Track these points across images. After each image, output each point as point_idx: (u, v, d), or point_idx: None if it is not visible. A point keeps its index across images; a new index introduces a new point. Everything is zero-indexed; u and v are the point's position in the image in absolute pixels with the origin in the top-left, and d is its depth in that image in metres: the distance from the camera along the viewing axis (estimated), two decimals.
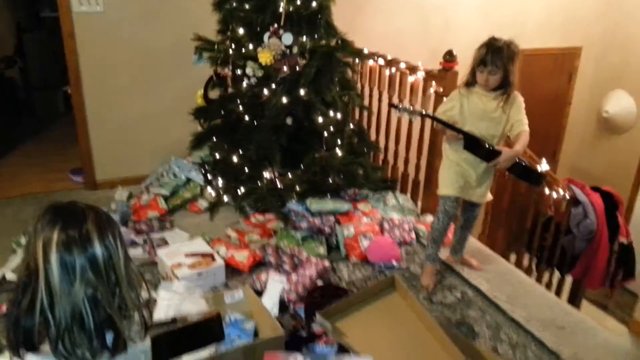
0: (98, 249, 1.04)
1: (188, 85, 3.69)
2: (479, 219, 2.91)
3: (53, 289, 1.00)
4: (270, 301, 2.46)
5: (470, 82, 2.50)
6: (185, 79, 3.74)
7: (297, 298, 2.49)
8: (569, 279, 4.07)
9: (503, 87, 2.43)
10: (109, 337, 1.07)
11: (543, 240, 3.85)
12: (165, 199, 3.41)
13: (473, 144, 2.48)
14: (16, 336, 1.02)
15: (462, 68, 3.26)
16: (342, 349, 2.08)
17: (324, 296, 2.44)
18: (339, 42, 3.32)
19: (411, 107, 2.73)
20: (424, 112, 2.69)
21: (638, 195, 5.03)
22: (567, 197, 3.76)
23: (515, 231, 3.82)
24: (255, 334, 2.19)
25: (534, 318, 2.50)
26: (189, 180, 3.60)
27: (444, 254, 2.94)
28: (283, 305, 2.48)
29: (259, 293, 2.50)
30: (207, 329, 1.63)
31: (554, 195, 3.69)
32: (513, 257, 3.81)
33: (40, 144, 4.80)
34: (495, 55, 2.33)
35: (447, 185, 2.64)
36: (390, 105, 2.72)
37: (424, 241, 3.15)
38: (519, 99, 2.48)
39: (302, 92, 3.11)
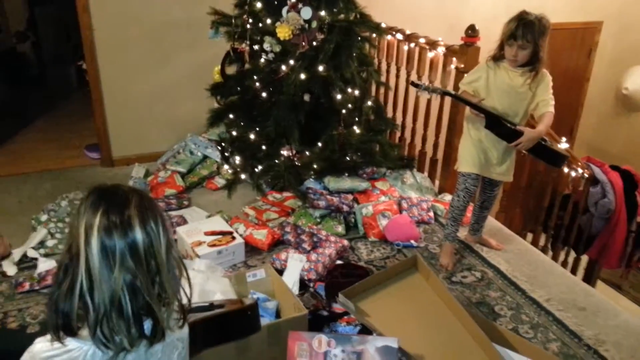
0: (139, 235, 1.02)
1: (204, 61, 3.64)
2: (497, 198, 2.89)
3: (93, 273, 0.99)
4: (291, 280, 2.47)
5: (498, 57, 2.44)
6: (201, 54, 3.69)
7: (317, 277, 2.50)
8: (584, 259, 4.06)
9: (531, 64, 2.37)
10: (147, 325, 1.06)
11: (560, 219, 3.82)
12: (182, 176, 3.40)
13: (495, 123, 2.44)
14: (56, 319, 1.02)
15: (482, 43, 3.21)
16: (365, 329, 2.09)
17: (344, 275, 2.45)
18: (358, 16, 3.25)
19: (432, 85, 2.68)
20: (445, 91, 2.64)
21: None
22: (586, 175, 3.72)
23: (533, 210, 3.79)
24: (277, 313, 2.20)
25: (554, 299, 2.49)
26: (205, 157, 3.58)
27: (463, 233, 2.93)
28: (303, 284, 2.48)
29: (279, 272, 2.50)
30: (244, 319, 1.61)
31: (573, 173, 3.65)
32: (529, 236, 3.79)
33: (54, 119, 4.79)
34: (527, 29, 2.26)
35: (467, 163, 2.60)
36: (411, 83, 2.66)
37: (443, 220, 3.13)
38: (548, 78, 2.42)
39: (320, 68, 3.06)
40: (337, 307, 2.29)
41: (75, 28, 3.66)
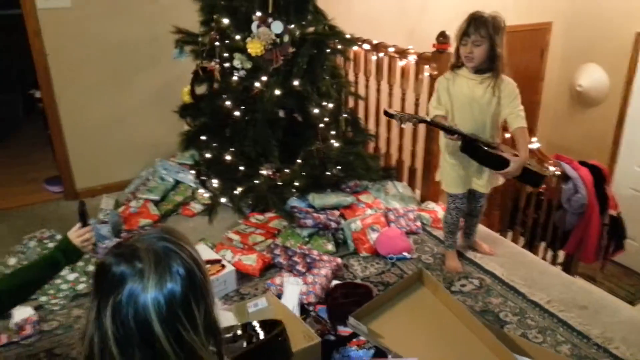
0: (157, 324, 0.85)
1: (168, 82, 3.49)
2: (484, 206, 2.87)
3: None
4: (290, 305, 2.35)
5: (455, 64, 2.40)
6: (165, 75, 3.53)
7: (317, 299, 2.39)
8: (561, 254, 4.13)
9: (490, 69, 2.31)
10: None
11: (535, 218, 3.87)
12: (156, 204, 3.22)
13: (470, 147, 2.39)
14: None
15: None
16: (379, 351, 2.00)
17: (345, 295, 2.36)
18: (327, 27, 3.20)
19: (406, 114, 2.52)
20: (419, 118, 2.50)
21: (615, 166, 5.17)
22: (558, 173, 3.79)
23: (511, 210, 3.82)
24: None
25: (554, 299, 2.49)
26: (177, 182, 3.41)
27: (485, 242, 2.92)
28: (303, 308, 2.37)
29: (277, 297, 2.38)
30: (277, 345, 1.49)
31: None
32: (509, 236, 3.82)
33: (3, 153, 4.46)
34: (479, 23, 2.23)
35: (451, 184, 2.61)
36: (385, 113, 2.57)
37: (429, 229, 3.10)
38: (512, 85, 2.36)
39: (296, 82, 2.97)
40: (343, 330, 2.19)
41: (21, 54, 3.42)
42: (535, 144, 3.66)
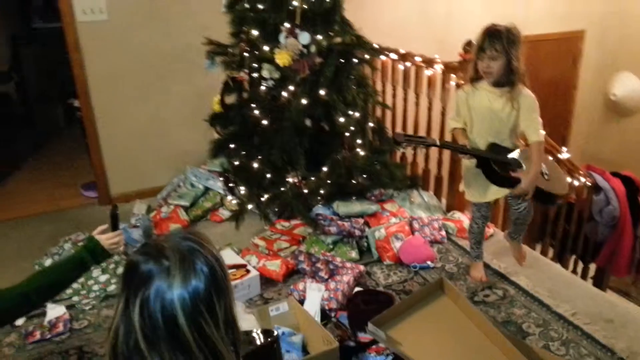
0: (182, 317, 0.90)
1: (200, 92, 3.59)
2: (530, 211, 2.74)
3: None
4: (312, 310, 2.39)
5: (474, 77, 2.40)
6: (198, 85, 3.64)
7: (338, 306, 2.43)
8: (592, 267, 4.05)
9: (508, 83, 2.30)
10: None
11: (566, 229, 3.81)
12: (186, 210, 3.32)
13: (485, 165, 2.40)
14: None
15: None
16: (397, 358, 2.02)
17: (367, 302, 2.38)
18: (354, 38, 3.24)
19: (415, 138, 2.54)
20: (427, 142, 2.47)
21: None
22: (588, 184, 3.72)
23: (539, 221, 3.77)
24: (304, 346, 2.12)
25: (579, 312, 2.45)
26: (207, 189, 3.50)
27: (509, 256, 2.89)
28: (324, 314, 2.41)
29: (299, 303, 2.42)
30: (270, 353, 1.55)
31: (575, 182, 3.65)
32: (538, 247, 3.77)
33: (44, 160, 4.66)
34: (494, 38, 2.23)
35: (474, 194, 2.59)
36: (393, 141, 2.57)
37: (455, 239, 3.09)
38: (530, 99, 2.34)
39: (322, 92, 3.03)
40: (363, 337, 2.22)
41: (61, 65, 3.58)
42: (565, 154, 3.61)
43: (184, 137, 3.74)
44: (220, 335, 0.94)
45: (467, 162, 2.54)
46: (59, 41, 3.41)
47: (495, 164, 2.37)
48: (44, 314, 2.41)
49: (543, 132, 2.40)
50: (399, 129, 3.80)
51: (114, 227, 1.78)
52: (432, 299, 2.19)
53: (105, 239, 1.71)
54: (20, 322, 2.38)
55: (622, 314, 2.44)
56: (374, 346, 2.16)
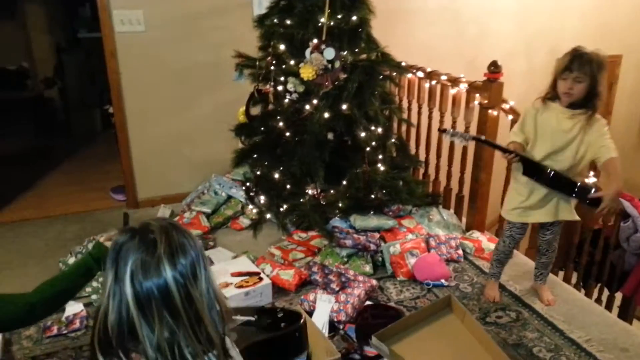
0: (170, 278, 1.00)
1: (228, 102, 3.69)
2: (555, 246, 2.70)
3: (135, 330, 0.99)
4: (320, 321, 2.41)
5: (550, 96, 2.33)
6: (225, 96, 3.75)
7: (347, 318, 2.44)
8: (618, 296, 3.92)
9: (585, 105, 2.24)
10: None
11: (591, 256, 3.72)
12: (207, 216, 3.40)
13: (533, 170, 2.34)
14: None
15: (503, 79, 3.21)
16: None
17: (375, 316, 2.39)
18: (379, 55, 3.29)
19: (461, 132, 2.58)
20: (474, 137, 2.54)
21: None
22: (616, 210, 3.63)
23: (563, 246, 3.69)
24: (308, 356, 2.14)
25: (594, 339, 2.40)
26: (229, 197, 3.58)
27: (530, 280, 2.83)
28: (332, 326, 2.43)
29: (308, 313, 2.45)
30: (292, 340, 1.57)
31: None
32: (561, 273, 3.69)
33: (79, 162, 4.86)
34: (584, 61, 2.16)
35: (511, 211, 2.53)
36: (440, 130, 2.59)
37: (472, 258, 3.07)
38: (601, 122, 2.28)
39: (344, 106, 3.07)
40: (369, 350, 2.22)
41: (101, 73, 3.76)
42: (592, 179, 3.54)
43: (211, 146, 3.85)
44: (203, 300, 1.03)
45: (515, 177, 2.49)
46: (100, 50, 3.58)
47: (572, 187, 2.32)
48: (63, 309, 2.50)
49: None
50: (421, 147, 3.81)
51: None
52: (439, 316, 2.18)
53: None
54: None
55: (638, 343, 2.37)
56: None
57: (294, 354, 1.60)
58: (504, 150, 2.39)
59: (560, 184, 2.32)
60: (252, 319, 1.58)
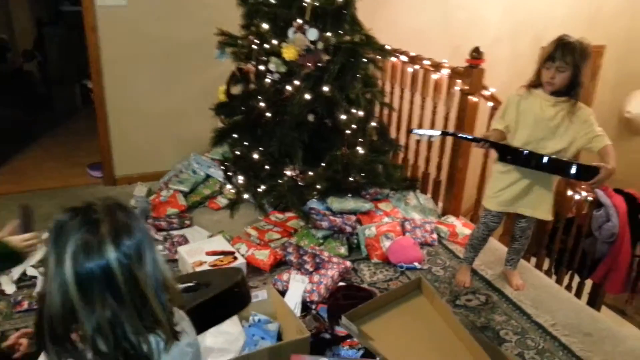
0: (113, 259, 0.97)
1: (210, 81, 3.65)
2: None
3: (74, 309, 0.97)
4: (293, 301, 2.44)
5: (534, 84, 2.33)
6: (207, 75, 3.71)
7: (319, 299, 2.47)
8: (588, 283, 4.01)
9: (568, 94, 2.25)
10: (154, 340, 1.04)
11: (563, 243, 3.79)
12: (185, 195, 3.39)
13: (508, 153, 2.34)
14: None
15: (487, 66, 3.23)
16: (368, 353, 2.06)
17: (347, 297, 2.42)
18: (363, 37, 3.28)
19: (429, 131, 2.59)
20: (443, 131, 2.54)
21: None
22: (590, 199, 3.69)
23: (536, 233, 3.75)
24: (279, 335, 2.17)
25: (559, 323, 2.46)
26: (208, 176, 3.57)
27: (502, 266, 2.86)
28: (305, 306, 2.45)
29: (281, 293, 2.47)
30: (234, 296, 1.59)
31: (576, 197, 3.62)
32: (533, 259, 3.75)
33: (58, 138, 4.79)
34: (567, 50, 2.16)
35: (489, 199, 2.56)
36: (409, 131, 2.58)
37: (446, 242, 3.11)
38: (587, 111, 2.28)
39: (325, 88, 3.07)
40: (340, 330, 2.25)
41: (81, 47, 3.69)
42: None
43: (191, 125, 3.82)
44: (149, 282, 1.01)
45: (501, 168, 2.48)
46: (79, 24, 3.51)
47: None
48: (34, 285, 2.50)
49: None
50: (402, 131, 3.82)
51: (26, 226, 1.64)
52: (409, 297, 2.21)
53: (20, 240, 1.59)
54: (10, 290, 2.48)
55: (602, 328, 2.44)
56: (348, 340, 2.20)
57: (238, 308, 1.64)
58: (474, 140, 2.42)
59: (538, 163, 2.31)
60: (191, 284, 1.60)
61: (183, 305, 1.18)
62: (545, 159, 2.28)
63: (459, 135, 2.65)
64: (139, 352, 1.00)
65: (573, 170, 2.26)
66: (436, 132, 2.55)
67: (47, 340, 1.00)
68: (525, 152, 2.31)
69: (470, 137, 2.45)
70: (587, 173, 2.25)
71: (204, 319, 1.45)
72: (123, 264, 0.98)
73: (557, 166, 2.30)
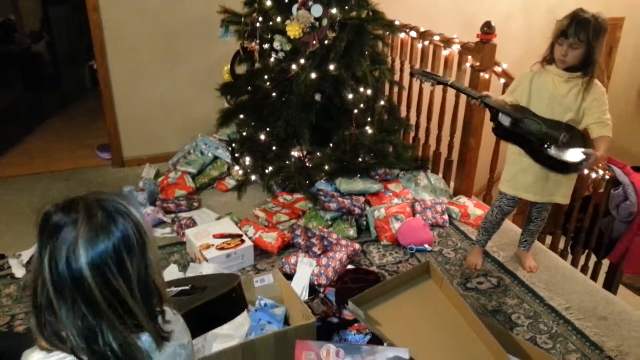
0: (85, 271, 0.91)
1: (215, 60, 3.59)
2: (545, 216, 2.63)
3: (54, 309, 0.93)
4: (300, 285, 2.41)
5: (548, 59, 2.24)
6: (213, 54, 3.64)
7: (327, 282, 2.43)
8: (605, 263, 3.93)
9: (582, 70, 2.16)
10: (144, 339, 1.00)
11: (580, 222, 3.70)
12: (193, 177, 3.36)
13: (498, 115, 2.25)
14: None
15: (498, 41, 3.11)
16: (375, 338, 2.02)
17: (355, 280, 2.38)
18: (370, 13, 3.18)
19: (430, 74, 2.51)
20: (440, 80, 2.44)
21: None
22: (607, 177, 3.59)
23: (552, 212, 3.67)
24: (286, 319, 2.14)
25: (573, 307, 2.40)
26: (216, 158, 3.54)
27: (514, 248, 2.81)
28: (313, 289, 2.42)
29: (289, 276, 2.44)
30: (230, 302, 1.56)
31: (593, 175, 3.53)
32: (548, 239, 3.68)
33: (67, 119, 4.78)
34: (580, 26, 2.06)
35: (505, 182, 2.47)
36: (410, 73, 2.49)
37: (457, 223, 3.05)
38: (599, 90, 2.18)
39: (331, 66, 2.99)
40: (348, 314, 2.22)
41: (89, 28, 3.64)
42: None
43: (198, 105, 3.77)
44: (131, 290, 0.95)
45: (516, 150, 2.37)
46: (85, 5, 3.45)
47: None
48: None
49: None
50: (412, 110, 3.73)
51: None
52: (416, 281, 2.17)
53: None
54: (20, 274, 2.48)
55: (618, 312, 2.37)
56: (355, 324, 2.16)
57: (233, 315, 1.60)
58: (470, 95, 2.34)
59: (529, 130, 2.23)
60: (186, 287, 1.56)
61: (179, 308, 1.14)
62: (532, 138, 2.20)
63: (456, 86, 2.50)
64: (122, 358, 0.96)
65: (552, 151, 2.17)
66: (430, 77, 2.47)
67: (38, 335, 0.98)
68: (517, 118, 2.22)
69: (467, 90, 2.37)
70: (564, 166, 2.19)
71: (199, 323, 1.42)
72: (96, 271, 0.92)
73: (543, 141, 2.20)
